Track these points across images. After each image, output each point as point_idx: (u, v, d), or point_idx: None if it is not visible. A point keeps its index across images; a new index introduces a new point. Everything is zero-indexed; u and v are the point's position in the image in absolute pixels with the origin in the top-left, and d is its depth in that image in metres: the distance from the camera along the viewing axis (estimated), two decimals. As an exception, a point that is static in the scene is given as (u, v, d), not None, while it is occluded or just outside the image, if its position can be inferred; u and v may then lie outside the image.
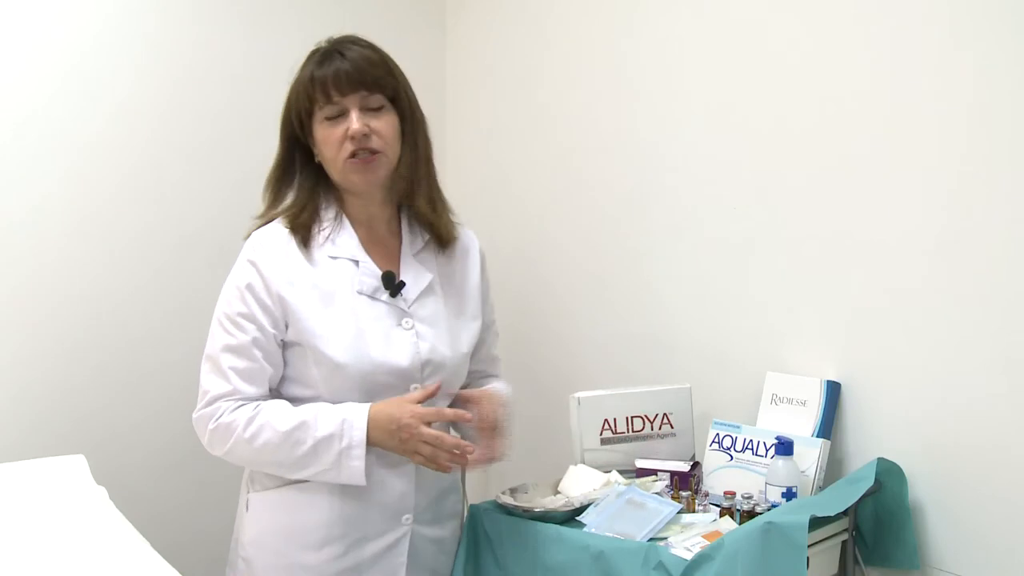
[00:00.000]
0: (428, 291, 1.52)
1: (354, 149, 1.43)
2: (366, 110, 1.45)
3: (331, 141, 1.45)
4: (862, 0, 1.55)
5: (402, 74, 1.52)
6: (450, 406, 1.53)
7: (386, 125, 1.46)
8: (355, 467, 1.39)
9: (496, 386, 1.60)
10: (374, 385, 1.44)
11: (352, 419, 1.39)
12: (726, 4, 1.77)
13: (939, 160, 1.46)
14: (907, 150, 1.50)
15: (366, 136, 1.43)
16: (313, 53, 1.49)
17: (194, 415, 1.45)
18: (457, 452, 1.40)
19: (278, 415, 1.40)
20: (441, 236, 1.55)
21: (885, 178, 1.53)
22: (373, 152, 1.45)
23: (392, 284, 1.47)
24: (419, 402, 1.41)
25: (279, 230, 1.49)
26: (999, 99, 1.39)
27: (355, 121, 1.43)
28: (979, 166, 1.41)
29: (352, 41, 1.49)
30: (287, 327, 1.44)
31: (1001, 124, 1.39)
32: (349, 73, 1.43)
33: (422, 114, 1.54)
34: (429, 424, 1.39)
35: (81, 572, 1.25)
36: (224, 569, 1.58)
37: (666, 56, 1.89)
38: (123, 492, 1.57)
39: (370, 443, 1.39)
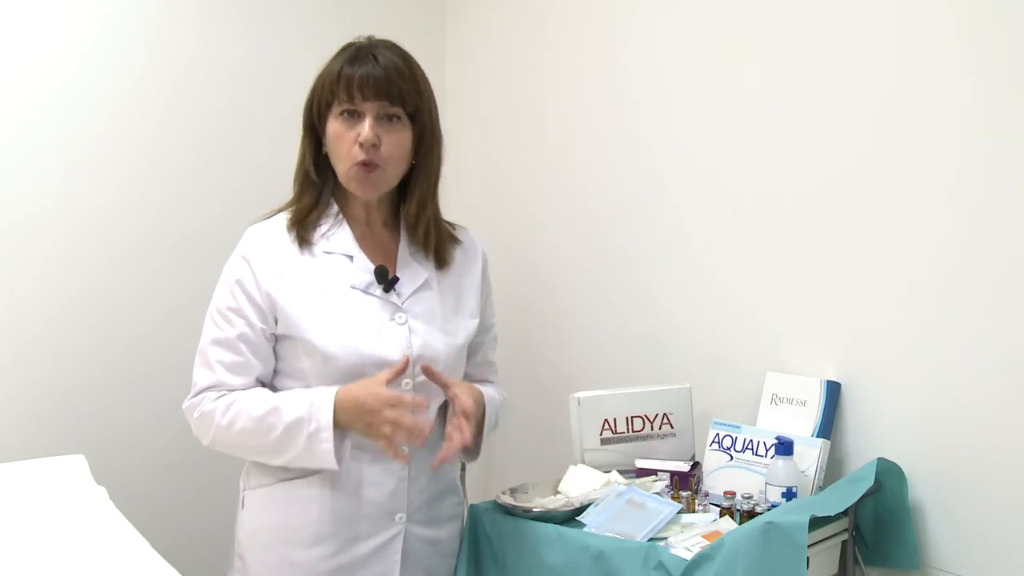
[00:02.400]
0: (424, 288, 1.52)
1: (363, 159, 1.44)
2: (382, 120, 1.44)
3: (341, 140, 1.45)
4: (863, 4, 1.55)
5: (429, 90, 1.51)
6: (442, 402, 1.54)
7: (396, 141, 1.46)
8: (324, 450, 1.38)
9: (480, 387, 1.58)
10: (364, 378, 1.44)
11: (319, 402, 1.39)
12: (726, 6, 1.77)
13: (940, 161, 1.46)
14: (908, 151, 1.50)
15: (374, 147, 1.43)
16: (347, 47, 1.48)
17: (183, 405, 1.48)
18: (415, 432, 1.35)
19: (253, 401, 1.41)
20: (437, 255, 1.55)
21: (886, 178, 1.53)
22: (375, 165, 1.45)
23: (385, 279, 1.48)
24: (388, 381, 1.38)
25: (277, 225, 1.50)
26: (1000, 100, 1.39)
27: (367, 128, 1.42)
28: (980, 168, 1.41)
29: (388, 46, 1.48)
30: (276, 322, 1.45)
31: (1002, 126, 1.39)
32: (377, 79, 1.42)
33: (440, 134, 1.54)
34: (393, 407, 1.36)
35: (81, 572, 1.25)
36: (224, 569, 1.58)
37: (666, 57, 1.89)
38: (123, 492, 1.57)
39: (340, 426, 1.39)
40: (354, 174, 1.45)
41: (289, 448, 1.40)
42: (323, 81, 1.47)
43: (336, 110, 1.45)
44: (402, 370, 1.40)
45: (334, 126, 1.46)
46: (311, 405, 1.39)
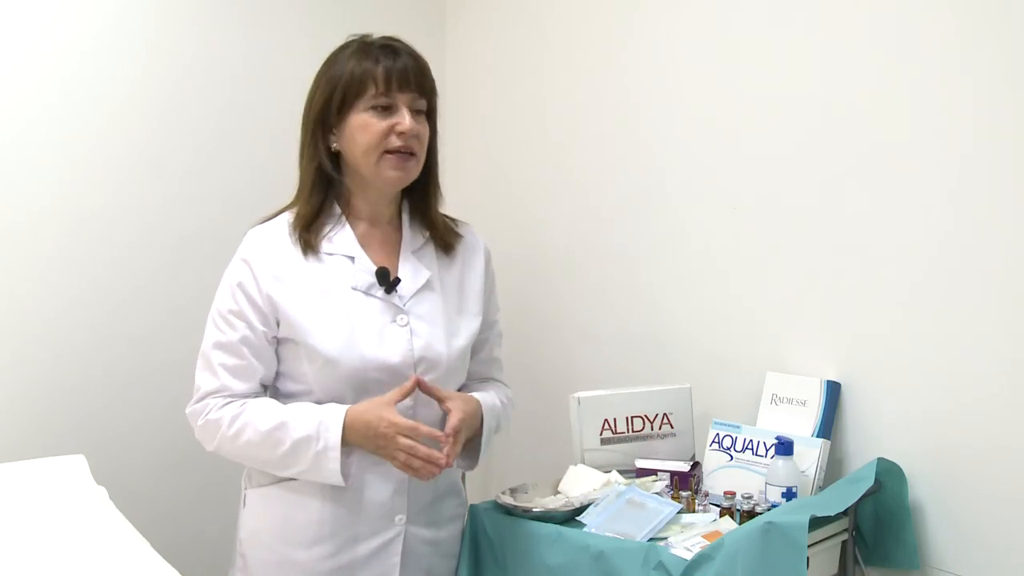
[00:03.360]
0: (426, 288, 1.52)
1: (400, 146, 1.44)
2: (413, 111, 1.46)
3: (373, 131, 1.44)
4: (863, 4, 1.55)
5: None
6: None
7: (425, 131, 1.49)
8: (332, 469, 1.39)
9: (480, 395, 1.56)
10: (365, 381, 1.44)
11: (328, 421, 1.39)
12: (727, 6, 1.77)
13: (940, 162, 1.46)
14: (908, 151, 1.50)
15: (415, 136, 1.45)
16: (363, 44, 1.48)
17: (187, 410, 1.48)
18: (430, 461, 1.38)
19: (260, 414, 1.42)
20: (443, 242, 1.56)
21: (886, 178, 1.53)
22: (412, 153, 1.47)
23: (387, 281, 1.47)
24: (397, 401, 1.40)
25: (279, 227, 1.50)
26: (1000, 100, 1.39)
27: (407, 118, 1.44)
28: (980, 168, 1.42)
29: (400, 41, 1.50)
30: (278, 324, 1.45)
31: (1002, 126, 1.39)
32: (413, 72, 1.45)
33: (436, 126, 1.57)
34: (406, 436, 1.37)
35: (81, 572, 1.25)
36: (225, 568, 1.58)
37: (666, 57, 1.89)
38: (123, 492, 1.57)
39: (349, 444, 1.40)
40: (390, 162, 1.45)
41: (296, 464, 1.41)
42: (348, 75, 1.45)
43: (364, 104, 1.45)
44: (411, 390, 1.41)
45: (363, 118, 1.45)
46: (320, 424, 1.39)
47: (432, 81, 1.50)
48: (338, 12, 2.21)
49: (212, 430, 1.44)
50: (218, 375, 1.44)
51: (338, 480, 1.40)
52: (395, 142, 1.44)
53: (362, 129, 1.45)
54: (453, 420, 1.44)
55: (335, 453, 1.38)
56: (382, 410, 1.39)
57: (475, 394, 1.56)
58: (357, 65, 1.45)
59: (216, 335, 1.46)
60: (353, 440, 1.40)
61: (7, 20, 1.81)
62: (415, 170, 1.49)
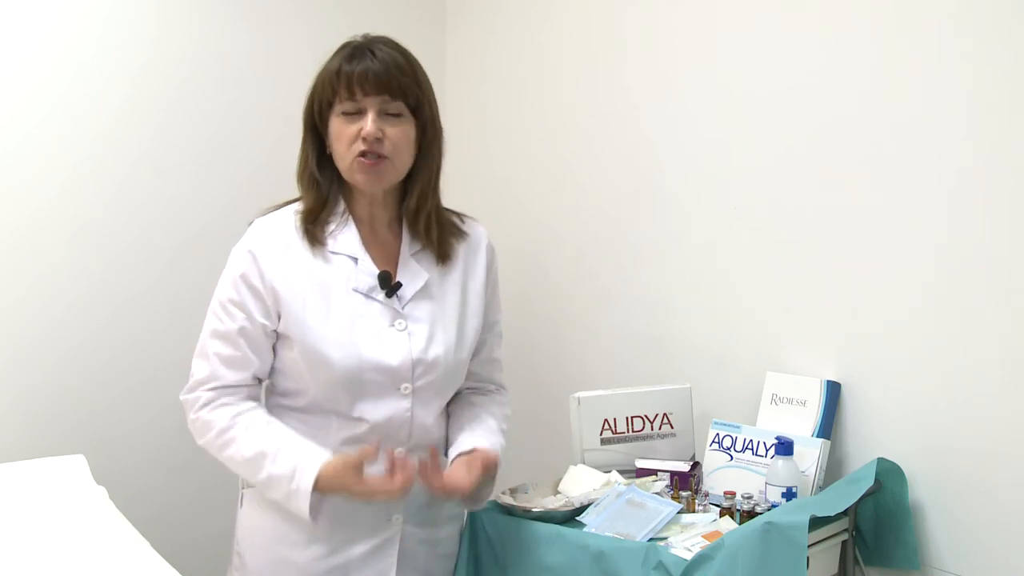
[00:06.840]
0: (424, 292, 1.51)
1: (364, 150, 1.43)
2: (384, 114, 1.44)
3: (343, 137, 1.44)
4: (864, 4, 1.55)
5: (428, 84, 1.50)
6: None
7: (400, 133, 1.45)
8: (301, 509, 1.38)
9: (487, 443, 1.52)
10: (362, 383, 1.43)
11: (305, 467, 1.38)
12: (728, 5, 1.77)
13: (939, 161, 1.46)
14: (908, 151, 1.50)
15: (378, 140, 1.43)
16: (344, 46, 1.48)
17: (181, 396, 1.48)
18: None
19: (247, 436, 1.41)
20: (436, 253, 1.54)
21: (886, 179, 1.53)
22: (381, 156, 1.44)
23: (388, 284, 1.47)
24: (360, 465, 1.37)
25: (285, 221, 1.49)
26: (999, 99, 1.39)
27: (370, 123, 1.42)
28: (980, 167, 1.42)
29: (385, 42, 1.48)
30: (279, 318, 1.45)
31: (1001, 124, 1.39)
32: (377, 74, 1.42)
33: (440, 127, 1.53)
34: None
35: (81, 572, 1.25)
36: (224, 568, 1.58)
37: (667, 56, 1.89)
38: (123, 492, 1.57)
39: (321, 491, 1.38)
40: (358, 166, 1.44)
41: (270, 492, 1.42)
42: (322, 80, 1.47)
43: (338, 109, 1.45)
44: (373, 455, 1.39)
45: (336, 124, 1.45)
46: (296, 469, 1.38)
47: (411, 80, 1.45)
48: (338, 12, 2.22)
49: (202, 430, 1.45)
50: (211, 363, 1.44)
51: (307, 519, 1.39)
52: (360, 147, 1.43)
53: (336, 136, 1.46)
54: (451, 483, 1.42)
55: (305, 497, 1.37)
56: (349, 480, 1.37)
57: (484, 445, 1.51)
58: (329, 71, 1.46)
59: (215, 324, 1.46)
60: (326, 489, 1.38)
61: (8, 21, 1.82)
62: (389, 173, 1.47)
